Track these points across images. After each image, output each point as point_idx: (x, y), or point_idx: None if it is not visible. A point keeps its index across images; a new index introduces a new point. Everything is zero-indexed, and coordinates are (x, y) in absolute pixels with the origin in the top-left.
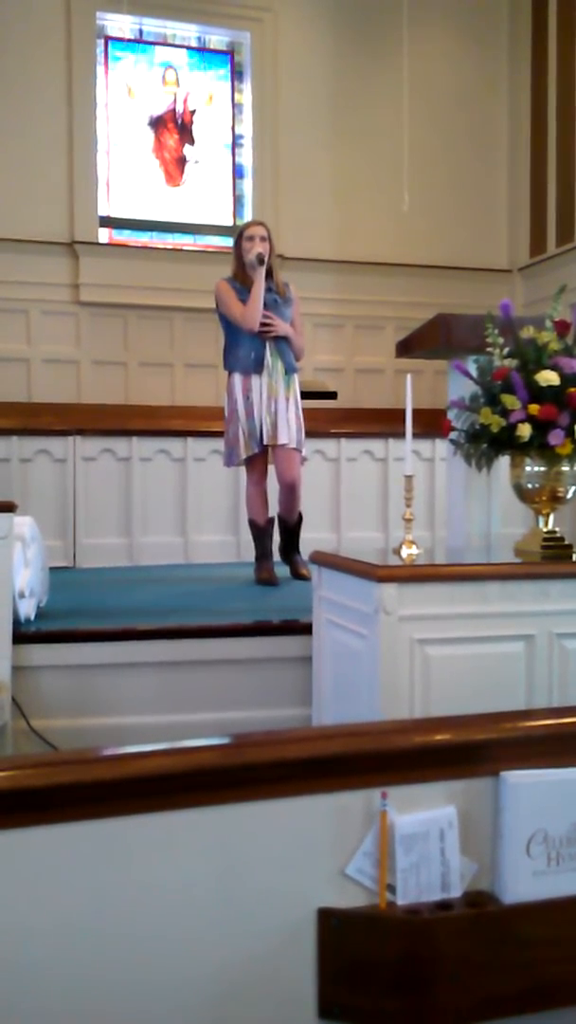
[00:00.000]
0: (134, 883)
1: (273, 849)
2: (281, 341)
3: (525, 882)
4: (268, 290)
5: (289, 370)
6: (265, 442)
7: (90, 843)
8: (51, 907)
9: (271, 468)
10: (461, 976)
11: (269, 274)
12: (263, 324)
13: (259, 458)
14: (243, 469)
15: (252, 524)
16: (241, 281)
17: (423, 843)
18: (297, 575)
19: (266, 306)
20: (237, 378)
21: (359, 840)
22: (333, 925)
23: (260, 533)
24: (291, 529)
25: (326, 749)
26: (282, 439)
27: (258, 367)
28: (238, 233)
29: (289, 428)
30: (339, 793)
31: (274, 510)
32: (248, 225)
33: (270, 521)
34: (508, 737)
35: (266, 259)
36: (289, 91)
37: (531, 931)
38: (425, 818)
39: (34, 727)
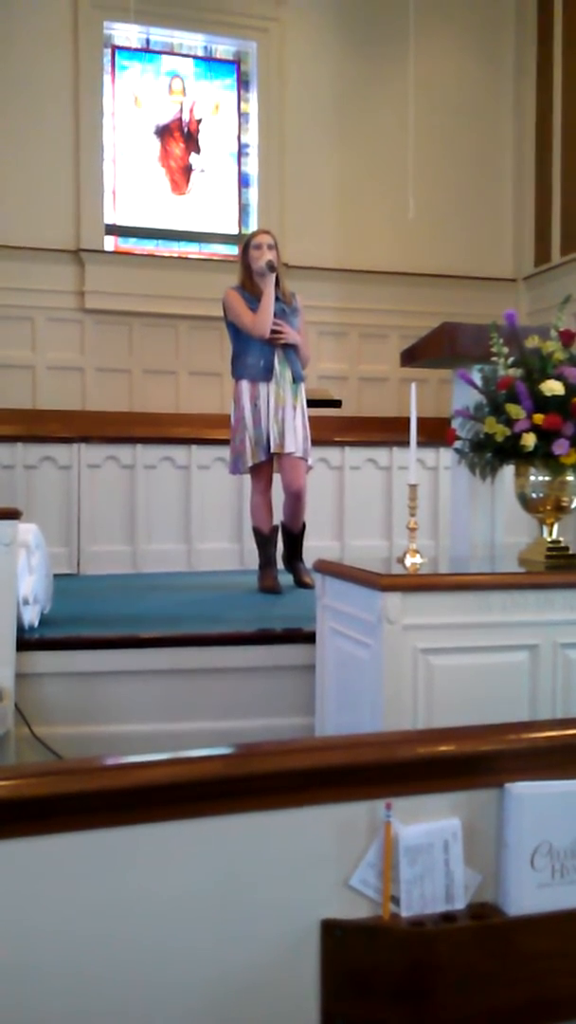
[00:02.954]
0: (137, 893)
1: (277, 860)
2: (289, 349)
3: (529, 894)
4: (276, 299)
5: (297, 379)
6: (272, 450)
7: (93, 853)
8: (54, 916)
9: (276, 476)
10: (465, 988)
11: (276, 283)
12: (273, 331)
13: (265, 466)
14: (247, 477)
15: (256, 532)
16: (249, 290)
17: (427, 854)
18: (301, 583)
19: (274, 315)
20: (245, 385)
21: (363, 851)
22: (336, 936)
23: (264, 541)
24: (295, 537)
25: (330, 760)
26: (289, 448)
27: (267, 375)
28: (245, 242)
29: (296, 437)
30: (343, 804)
31: (277, 518)
32: (255, 234)
33: (274, 529)
34: (512, 748)
35: (276, 267)
36: (295, 101)
37: (535, 943)
38: (429, 829)
39: (37, 734)
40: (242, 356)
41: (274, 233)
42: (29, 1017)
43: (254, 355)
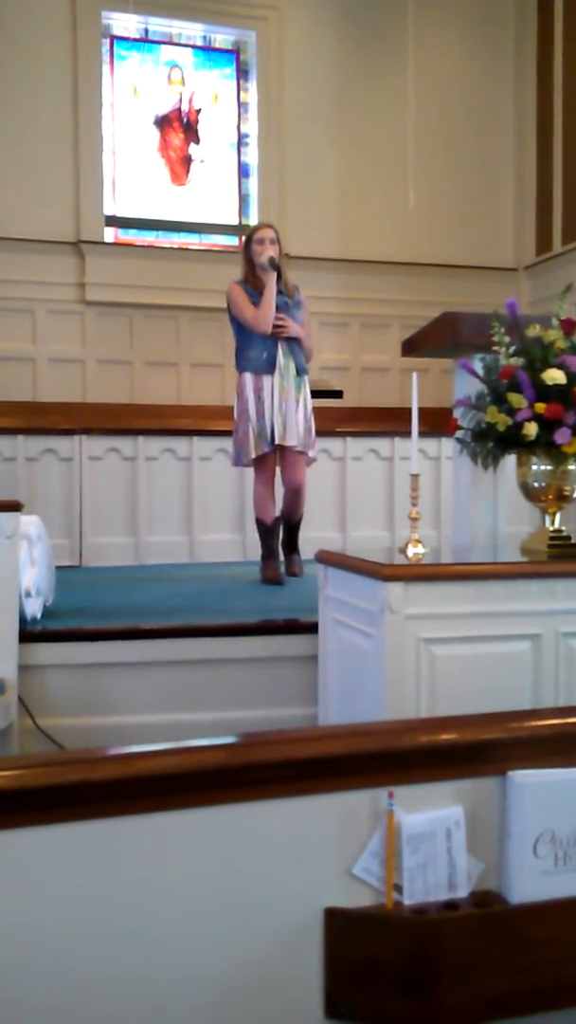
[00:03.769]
0: (140, 883)
1: (279, 849)
2: (293, 342)
3: (532, 882)
4: (279, 292)
5: (301, 371)
6: (276, 442)
7: (96, 843)
8: (57, 906)
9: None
10: (468, 976)
11: (279, 276)
12: (276, 325)
13: (268, 458)
14: (250, 468)
15: (259, 523)
16: (252, 284)
17: (430, 843)
18: (288, 570)
19: (277, 308)
20: (248, 378)
21: (366, 840)
22: (340, 925)
23: (267, 532)
24: (292, 527)
25: (333, 749)
26: (291, 441)
27: (270, 368)
28: (247, 236)
29: (298, 430)
30: (345, 793)
31: (277, 509)
32: (257, 228)
33: (277, 520)
34: (515, 737)
35: (277, 262)
36: (294, 90)
37: (538, 931)
38: (432, 818)
39: (40, 726)
40: (245, 349)
41: (274, 224)
42: (31, 1009)
43: (257, 348)
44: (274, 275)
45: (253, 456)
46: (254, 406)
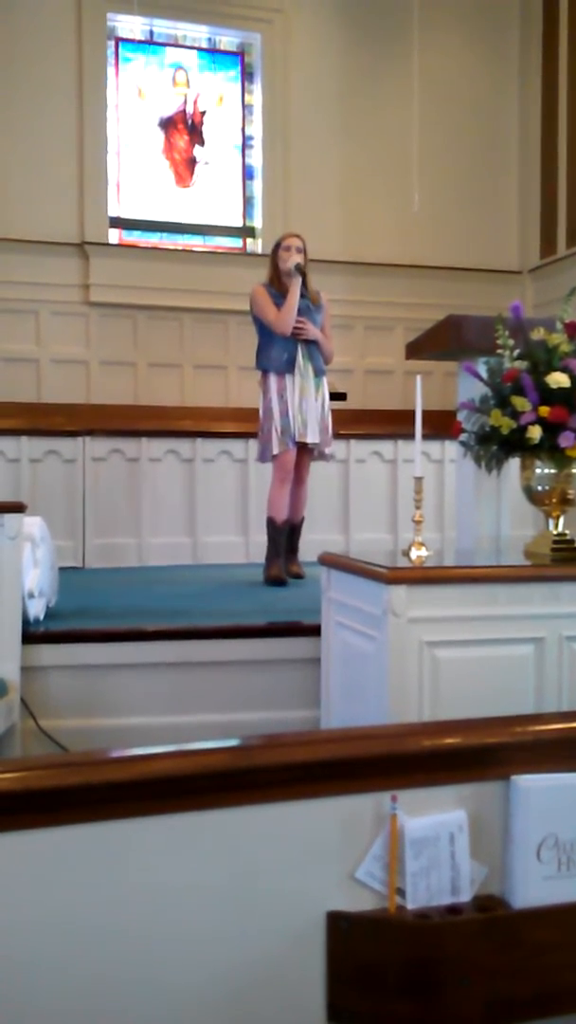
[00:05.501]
0: (143, 885)
1: (282, 852)
2: (312, 344)
3: (535, 887)
4: (302, 296)
5: (319, 372)
6: (298, 440)
7: (98, 845)
8: (59, 908)
9: None
10: (470, 980)
11: (303, 282)
12: (296, 327)
13: (289, 456)
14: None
15: (270, 522)
16: (277, 288)
17: (433, 847)
18: (288, 571)
19: (300, 312)
20: (272, 377)
21: (369, 843)
22: (342, 928)
23: (276, 532)
24: (294, 528)
25: (336, 752)
26: (311, 438)
27: (290, 367)
28: (275, 243)
29: (316, 429)
30: (349, 796)
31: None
32: (285, 236)
33: (286, 522)
34: (518, 741)
35: (303, 268)
36: (299, 92)
37: (541, 936)
38: (435, 822)
39: (43, 727)
40: (267, 349)
41: (280, 227)
42: (38, 1008)
43: (278, 349)
44: (299, 280)
45: (275, 452)
46: (277, 404)
